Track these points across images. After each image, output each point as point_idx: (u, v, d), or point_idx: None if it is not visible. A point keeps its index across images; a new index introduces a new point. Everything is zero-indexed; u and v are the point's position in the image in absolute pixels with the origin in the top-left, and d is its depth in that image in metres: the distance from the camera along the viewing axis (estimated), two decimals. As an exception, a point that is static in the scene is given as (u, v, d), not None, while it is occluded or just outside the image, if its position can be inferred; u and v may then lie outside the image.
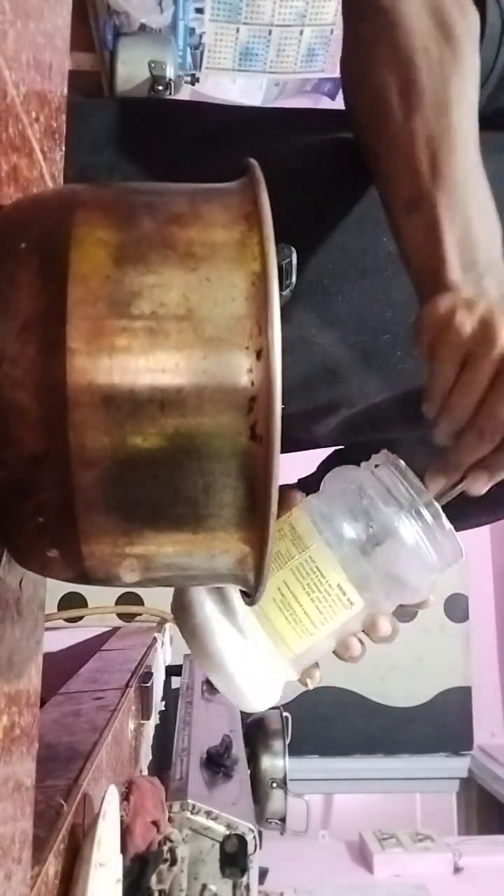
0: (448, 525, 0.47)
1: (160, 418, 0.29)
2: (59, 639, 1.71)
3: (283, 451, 0.30)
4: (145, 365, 0.29)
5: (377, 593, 0.47)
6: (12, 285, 0.30)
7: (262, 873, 1.76)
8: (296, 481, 0.90)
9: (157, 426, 0.29)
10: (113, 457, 0.29)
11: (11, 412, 0.29)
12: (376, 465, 0.49)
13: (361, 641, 0.50)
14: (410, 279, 0.52)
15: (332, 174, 0.64)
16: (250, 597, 0.36)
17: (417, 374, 0.64)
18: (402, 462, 0.48)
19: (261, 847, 0.98)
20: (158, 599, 2.37)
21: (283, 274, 0.53)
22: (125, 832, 0.74)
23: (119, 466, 0.30)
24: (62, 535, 0.31)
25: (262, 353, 0.29)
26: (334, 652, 0.50)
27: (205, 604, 0.48)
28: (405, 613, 0.52)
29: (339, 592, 0.46)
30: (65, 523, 0.30)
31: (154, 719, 1.18)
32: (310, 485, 0.88)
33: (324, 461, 0.88)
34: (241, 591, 0.38)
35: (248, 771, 1.24)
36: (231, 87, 2.41)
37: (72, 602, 2.33)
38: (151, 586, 0.36)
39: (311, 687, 0.52)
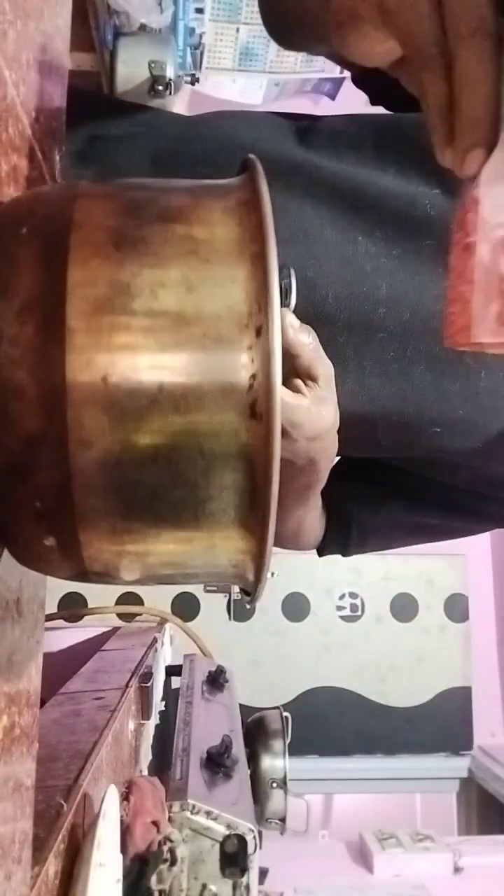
0: None
1: (159, 397, 0.29)
2: (59, 639, 1.71)
3: None
4: (144, 343, 0.29)
5: None
6: (12, 267, 0.30)
7: (262, 873, 1.76)
8: None
9: (155, 405, 0.29)
10: (111, 436, 0.29)
11: (9, 392, 0.29)
12: None
13: None
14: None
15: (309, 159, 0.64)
16: (250, 595, 0.36)
17: (412, 377, 0.63)
18: None
19: (261, 847, 0.97)
20: (158, 599, 2.37)
21: (283, 294, 0.53)
22: (125, 832, 0.74)
23: (118, 446, 0.29)
24: (59, 521, 0.31)
25: (261, 330, 0.30)
26: None
27: None
28: None
29: None
30: (62, 507, 0.30)
31: (154, 719, 1.18)
32: None
33: None
34: (242, 590, 0.38)
35: (248, 771, 1.24)
36: (231, 87, 2.41)
37: (72, 602, 2.33)
38: (149, 582, 0.35)
39: None
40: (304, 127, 0.68)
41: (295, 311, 0.59)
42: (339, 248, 0.62)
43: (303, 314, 0.61)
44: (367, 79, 0.69)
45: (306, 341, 0.52)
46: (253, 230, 0.31)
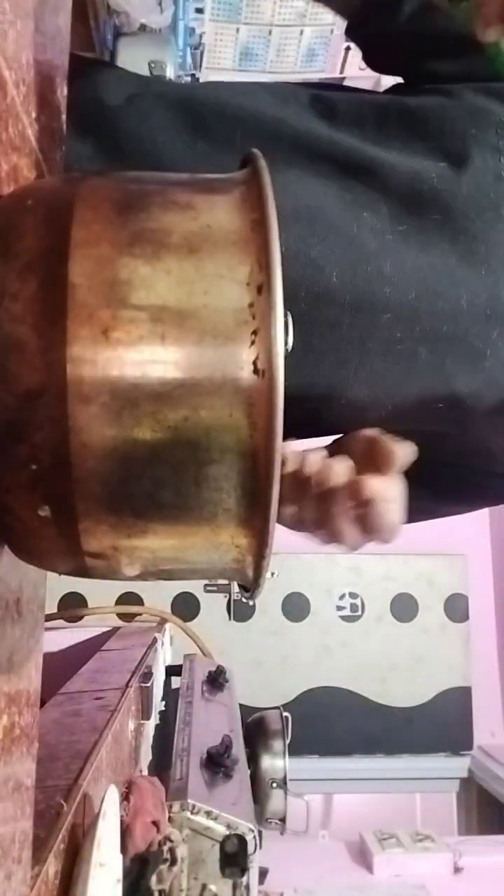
0: None
1: (160, 350, 0.29)
2: (59, 639, 1.71)
3: (286, 439, 0.30)
4: (146, 298, 0.29)
5: None
6: (16, 233, 0.30)
7: (262, 873, 1.76)
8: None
9: (157, 359, 0.29)
10: (112, 391, 0.29)
11: (9, 347, 0.29)
12: None
13: None
14: None
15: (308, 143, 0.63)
16: (249, 590, 0.35)
17: (419, 357, 0.63)
18: None
19: (261, 847, 0.97)
20: (158, 600, 2.37)
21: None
22: (125, 832, 0.74)
23: (117, 402, 0.29)
24: (56, 485, 0.30)
25: (262, 288, 0.30)
26: None
27: None
28: None
29: None
30: (59, 469, 0.30)
31: (154, 719, 1.18)
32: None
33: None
34: (240, 586, 0.38)
35: (248, 771, 1.24)
36: (231, 87, 2.40)
37: (72, 602, 2.33)
38: (147, 567, 0.34)
39: None
40: (309, 95, 0.67)
41: (299, 292, 0.58)
42: (343, 226, 0.60)
43: (307, 295, 0.60)
44: (359, 30, 0.70)
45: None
46: (254, 200, 0.32)
